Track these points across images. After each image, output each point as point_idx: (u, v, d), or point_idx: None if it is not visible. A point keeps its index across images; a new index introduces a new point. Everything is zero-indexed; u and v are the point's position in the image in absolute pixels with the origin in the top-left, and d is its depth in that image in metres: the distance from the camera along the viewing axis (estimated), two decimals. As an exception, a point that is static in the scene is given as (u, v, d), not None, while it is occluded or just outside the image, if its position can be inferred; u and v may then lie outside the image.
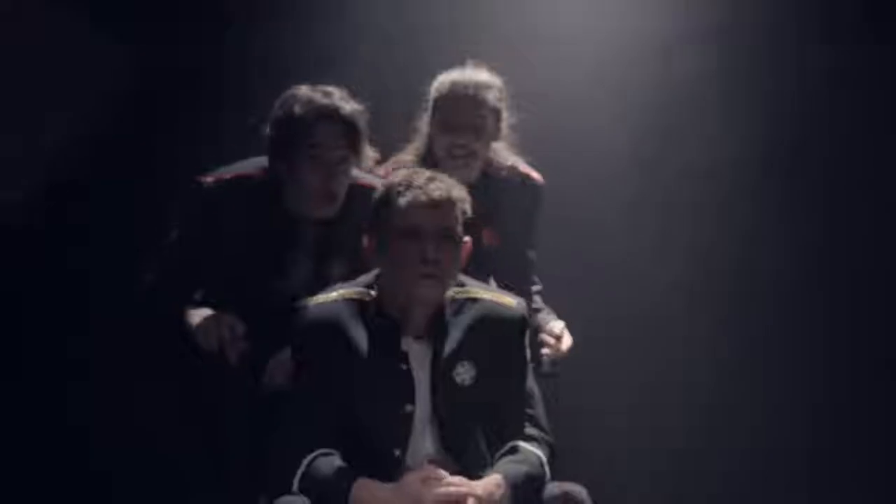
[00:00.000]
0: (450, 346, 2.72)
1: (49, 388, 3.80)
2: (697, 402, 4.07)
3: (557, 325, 3.37)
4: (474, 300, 2.77)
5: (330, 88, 3.12)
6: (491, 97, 3.32)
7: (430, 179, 2.69)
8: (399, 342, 2.70)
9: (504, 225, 3.41)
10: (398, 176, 2.73)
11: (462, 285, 2.78)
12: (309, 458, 2.61)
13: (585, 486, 2.65)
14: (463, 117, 3.30)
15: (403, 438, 2.68)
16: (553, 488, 2.66)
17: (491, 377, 2.73)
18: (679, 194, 4.14)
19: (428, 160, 3.31)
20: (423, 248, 2.64)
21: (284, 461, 2.63)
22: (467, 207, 2.71)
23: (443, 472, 2.57)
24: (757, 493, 4.06)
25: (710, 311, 4.10)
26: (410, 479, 2.55)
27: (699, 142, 4.13)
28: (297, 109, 3.07)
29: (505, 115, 3.38)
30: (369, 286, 2.75)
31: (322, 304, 2.73)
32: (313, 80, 3.12)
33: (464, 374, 2.72)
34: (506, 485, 2.59)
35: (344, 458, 2.62)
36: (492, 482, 2.59)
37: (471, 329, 2.74)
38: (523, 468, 2.64)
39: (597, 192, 4.10)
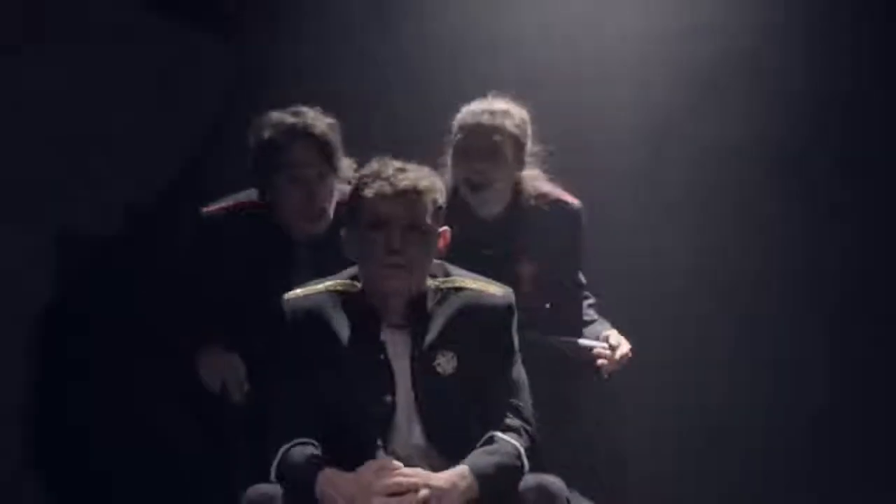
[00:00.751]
0: (431, 335, 2.73)
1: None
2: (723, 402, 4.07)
3: (613, 335, 3.34)
4: (459, 290, 2.77)
5: (302, 108, 3.20)
6: (509, 124, 3.31)
7: (399, 170, 2.70)
8: (378, 332, 2.72)
9: (544, 255, 3.38)
10: (368, 167, 2.75)
11: (448, 275, 2.79)
12: (285, 447, 2.63)
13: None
14: (477, 143, 3.30)
15: (386, 429, 2.69)
16: (529, 480, 2.64)
17: (473, 367, 2.72)
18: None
19: (452, 194, 3.30)
20: (389, 238, 2.65)
21: (266, 450, 2.65)
22: (439, 197, 2.72)
23: (396, 463, 2.57)
24: (778, 494, 4.06)
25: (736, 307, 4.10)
26: (365, 469, 2.56)
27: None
28: (268, 133, 3.16)
29: (529, 143, 3.36)
30: (354, 277, 2.77)
31: (306, 295, 2.77)
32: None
33: (445, 364, 2.72)
34: (472, 476, 2.57)
35: (328, 449, 2.64)
36: (455, 473, 2.57)
37: (453, 319, 2.75)
38: (494, 459, 2.62)
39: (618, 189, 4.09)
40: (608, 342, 3.31)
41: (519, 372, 2.78)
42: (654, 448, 4.03)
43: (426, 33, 4.04)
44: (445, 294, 2.76)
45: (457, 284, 2.78)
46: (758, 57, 4.09)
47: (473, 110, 3.34)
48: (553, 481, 2.64)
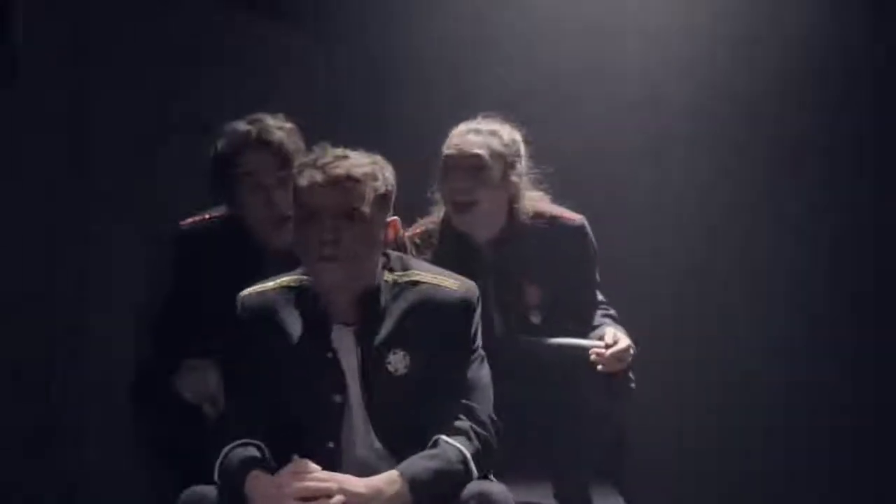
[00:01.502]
0: (383, 333, 2.59)
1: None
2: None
3: (608, 333, 3.19)
4: (415, 284, 2.63)
5: (259, 115, 3.14)
6: (495, 143, 3.21)
7: (338, 157, 2.56)
8: (327, 330, 2.61)
9: (548, 277, 3.27)
10: (307, 155, 2.65)
11: (407, 269, 2.65)
12: (227, 448, 2.53)
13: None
14: (460, 162, 3.19)
15: (336, 430, 2.58)
16: (473, 487, 2.48)
17: (428, 366, 2.57)
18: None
19: (446, 223, 3.27)
20: (321, 229, 2.52)
21: (216, 451, 2.56)
22: (379, 185, 2.56)
23: (313, 466, 2.44)
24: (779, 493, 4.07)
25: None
26: (283, 472, 2.44)
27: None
28: (222, 145, 3.12)
29: (522, 163, 3.27)
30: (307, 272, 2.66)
31: (259, 292, 2.67)
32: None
33: (397, 363, 2.58)
34: (402, 482, 2.43)
35: (283, 449, 2.53)
36: (382, 479, 2.44)
37: (406, 315, 2.60)
38: (432, 464, 2.46)
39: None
40: (603, 339, 3.16)
41: (477, 371, 2.62)
42: (657, 446, 4.03)
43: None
44: (402, 289, 2.61)
45: (413, 278, 2.63)
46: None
47: (460, 130, 3.24)
48: (498, 490, 2.50)
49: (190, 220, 3.23)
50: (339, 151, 2.58)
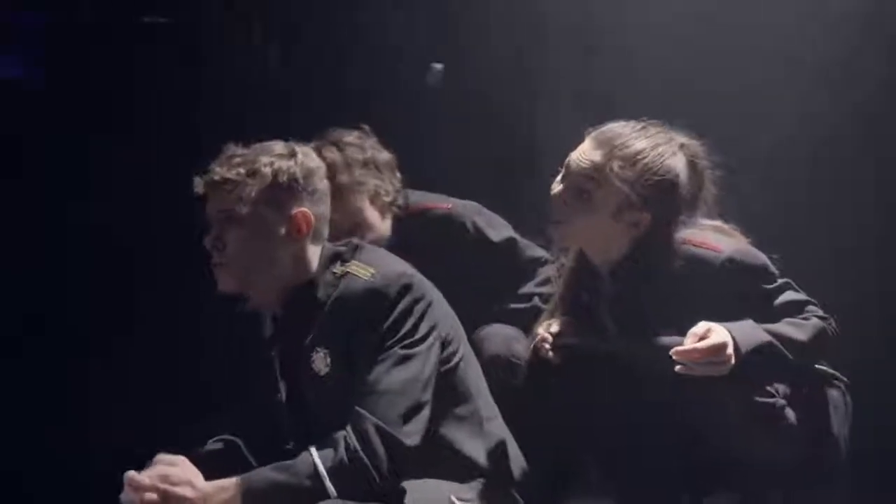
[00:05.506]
0: (311, 331, 2.48)
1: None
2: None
3: (700, 325, 2.52)
4: (343, 276, 2.49)
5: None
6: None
7: (226, 158, 2.50)
8: (264, 330, 2.60)
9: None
10: None
11: (347, 260, 2.51)
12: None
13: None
14: None
15: (292, 431, 2.53)
16: None
17: (345, 365, 2.43)
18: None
19: None
20: (209, 236, 2.49)
21: None
22: (264, 180, 2.45)
23: (165, 458, 2.37)
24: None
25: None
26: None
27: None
28: None
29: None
30: None
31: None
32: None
33: (319, 362, 2.47)
34: (236, 490, 2.31)
35: (257, 449, 2.55)
36: (216, 485, 2.33)
37: (329, 311, 2.46)
38: (277, 477, 2.33)
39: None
40: (695, 334, 2.50)
41: (384, 374, 2.38)
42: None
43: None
44: (336, 282, 2.48)
45: (347, 270, 2.49)
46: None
47: None
48: None
49: None
50: (231, 151, 2.51)
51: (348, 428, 2.35)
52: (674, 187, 2.68)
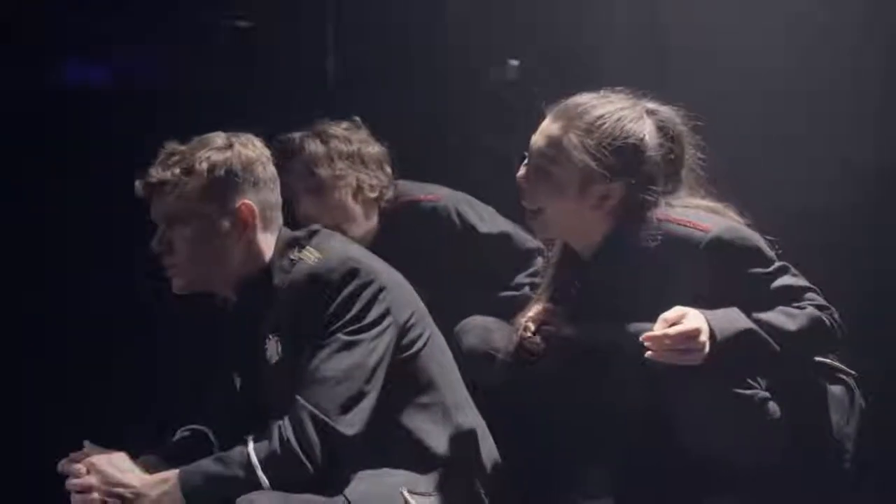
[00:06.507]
0: (265, 320, 2.46)
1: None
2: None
3: (672, 311, 2.34)
4: (295, 262, 2.46)
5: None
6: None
7: (161, 159, 2.47)
8: (222, 321, 2.59)
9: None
10: None
11: (304, 247, 2.48)
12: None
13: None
14: None
15: (252, 419, 2.48)
16: (243, 499, 2.27)
17: (292, 352, 2.40)
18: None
19: None
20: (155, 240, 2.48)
21: None
22: (199, 177, 2.42)
23: (77, 467, 2.36)
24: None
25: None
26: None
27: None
28: None
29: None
30: None
31: None
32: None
33: (271, 351, 2.45)
34: (174, 483, 2.31)
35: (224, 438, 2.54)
36: (154, 478, 2.35)
37: (280, 299, 2.44)
38: (212, 468, 2.31)
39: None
40: (666, 319, 2.33)
41: (323, 361, 2.34)
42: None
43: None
44: (290, 269, 2.45)
45: (298, 256, 2.46)
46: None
47: None
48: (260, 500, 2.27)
49: None
50: (169, 150, 2.47)
51: (286, 417, 2.32)
52: (638, 151, 2.53)
